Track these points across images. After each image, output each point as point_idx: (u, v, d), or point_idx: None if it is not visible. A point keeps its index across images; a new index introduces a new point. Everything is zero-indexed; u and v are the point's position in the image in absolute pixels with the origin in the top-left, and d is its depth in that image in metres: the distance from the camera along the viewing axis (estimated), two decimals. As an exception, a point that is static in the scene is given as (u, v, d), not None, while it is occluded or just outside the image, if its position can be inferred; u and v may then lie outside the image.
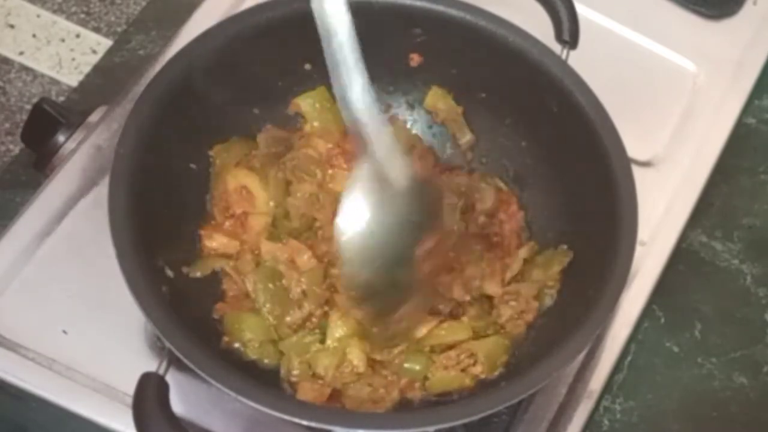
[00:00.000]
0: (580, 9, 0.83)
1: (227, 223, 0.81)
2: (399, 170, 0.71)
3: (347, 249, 0.71)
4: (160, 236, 0.73)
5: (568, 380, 0.82)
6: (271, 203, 0.81)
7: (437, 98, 0.86)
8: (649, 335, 0.88)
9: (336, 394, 0.75)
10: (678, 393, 0.86)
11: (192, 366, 0.66)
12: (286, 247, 0.79)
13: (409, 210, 0.72)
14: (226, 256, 0.79)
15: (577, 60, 0.81)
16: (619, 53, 1.00)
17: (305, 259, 0.78)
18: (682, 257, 0.91)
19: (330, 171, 0.83)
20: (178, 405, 0.67)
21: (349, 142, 0.76)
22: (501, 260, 0.81)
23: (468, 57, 0.83)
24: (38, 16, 1.62)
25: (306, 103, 0.84)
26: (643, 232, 0.80)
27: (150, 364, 0.68)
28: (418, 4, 0.81)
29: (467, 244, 0.81)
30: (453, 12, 0.81)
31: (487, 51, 0.81)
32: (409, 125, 0.87)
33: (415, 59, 0.85)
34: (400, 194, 0.71)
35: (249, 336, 0.75)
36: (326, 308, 0.78)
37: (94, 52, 1.60)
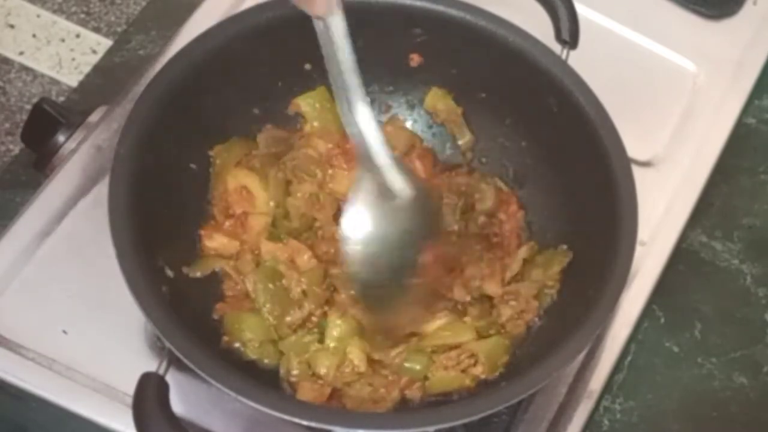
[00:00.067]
0: (580, 9, 0.84)
1: (227, 223, 0.81)
2: (400, 184, 0.73)
3: (350, 257, 0.73)
4: (160, 236, 0.73)
5: (568, 380, 0.81)
6: (271, 203, 0.81)
7: (437, 98, 0.86)
8: (649, 335, 0.88)
9: (336, 394, 0.75)
10: (678, 393, 0.86)
11: (192, 366, 0.66)
12: (286, 247, 0.79)
13: (410, 221, 0.74)
14: (226, 256, 0.79)
15: (577, 60, 0.81)
16: (619, 53, 1.00)
17: (305, 259, 0.78)
18: (682, 257, 0.91)
19: (330, 171, 0.83)
20: (178, 405, 0.67)
21: (350, 142, 0.76)
22: (501, 260, 0.81)
23: (468, 57, 0.83)
24: (38, 16, 1.62)
25: (306, 103, 0.84)
26: (643, 232, 0.80)
27: (150, 364, 0.68)
28: (418, 4, 0.81)
29: (467, 244, 0.82)
30: (453, 12, 0.81)
31: (487, 51, 0.81)
32: (409, 125, 0.87)
33: (415, 59, 0.85)
34: (400, 207, 0.73)
35: (249, 336, 0.75)
36: (326, 308, 0.78)
37: (94, 52, 1.60)
